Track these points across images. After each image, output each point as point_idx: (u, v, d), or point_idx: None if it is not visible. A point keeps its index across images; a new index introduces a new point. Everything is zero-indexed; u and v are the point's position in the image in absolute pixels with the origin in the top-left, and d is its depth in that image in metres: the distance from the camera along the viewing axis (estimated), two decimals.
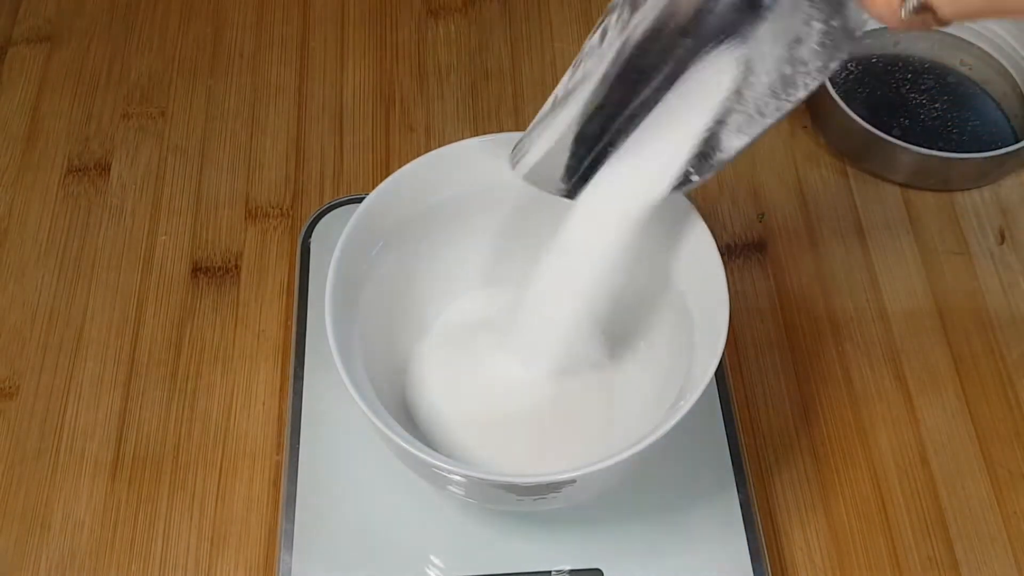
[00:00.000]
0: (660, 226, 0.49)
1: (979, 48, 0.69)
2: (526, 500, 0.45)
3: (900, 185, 0.64)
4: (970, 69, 0.69)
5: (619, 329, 0.54)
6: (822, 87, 0.64)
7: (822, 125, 0.66)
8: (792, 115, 0.66)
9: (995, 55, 0.69)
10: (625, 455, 0.42)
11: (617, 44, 0.41)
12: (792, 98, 0.40)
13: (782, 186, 0.64)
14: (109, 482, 0.55)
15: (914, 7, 0.33)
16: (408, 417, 0.51)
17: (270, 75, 0.70)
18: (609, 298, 0.48)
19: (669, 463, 0.52)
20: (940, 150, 0.62)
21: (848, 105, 0.63)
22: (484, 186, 0.52)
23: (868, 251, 0.62)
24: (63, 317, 0.60)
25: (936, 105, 0.67)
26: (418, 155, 0.50)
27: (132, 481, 0.55)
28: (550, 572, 0.50)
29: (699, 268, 0.47)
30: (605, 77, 0.42)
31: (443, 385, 0.51)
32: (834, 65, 0.38)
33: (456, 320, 0.54)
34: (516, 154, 0.47)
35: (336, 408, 0.54)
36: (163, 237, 0.63)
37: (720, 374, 0.55)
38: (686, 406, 0.42)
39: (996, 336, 0.59)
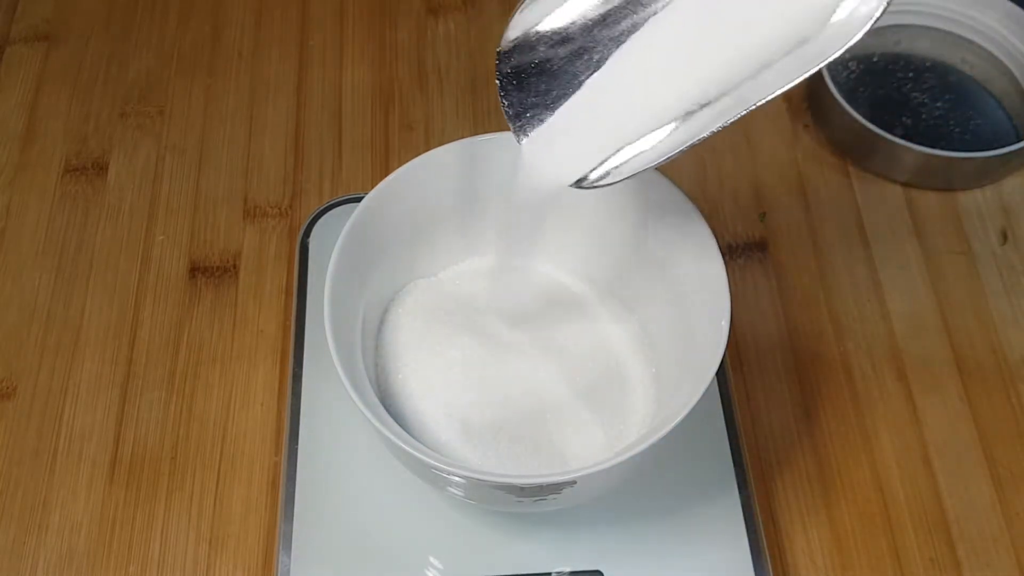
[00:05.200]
0: (660, 226, 0.49)
1: (980, 46, 0.69)
2: (526, 501, 0.44)
3: (902, 184, 0.64)
4: (972, 68, 0.68)
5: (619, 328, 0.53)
6: (824, 86, 0.64)
7: (824, 124, 0.66)
8: (794, 114, 0.67)
9: (997, 53, 0.69)
10: (626, 456, 0.41)
11: None
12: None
13: (784, 185, 0.64)
14: (107, 483, 0.54)
15: None
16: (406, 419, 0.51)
17: (269, 74, 0.70)
18: None
19: (670, 464, 0.52)
20: (942, 149, 0.61)
21: (850, 104, 0.63)
22: (484, 186, 0.52)
23: (870, 251, 0.61)
24: (61, 317, 0.60)
25: (938, 104, 0.66)
26: (417, 154, 0.49)
27: (130, 482, 0.54)
28: (550, 574, 0.50)
29: (700, 268, 0.47)
30: None
31: (439, 389, 0.51)
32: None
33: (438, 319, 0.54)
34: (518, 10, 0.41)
35: (335, 408, 0.54)
36: (161, 237, 0.63)
37: (721, 374, 0.55)
38: (687, 406, 0.42)
39: (999, 336, 0.58)
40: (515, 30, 0.41)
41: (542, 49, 0.41)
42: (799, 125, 0.67)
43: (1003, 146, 0.62)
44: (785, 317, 0.59)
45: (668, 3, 0.38)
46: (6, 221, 0.64)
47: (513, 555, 0.50)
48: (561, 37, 0.41)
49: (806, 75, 0.36)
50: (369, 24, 0.72)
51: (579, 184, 0.41)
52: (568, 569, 0.50)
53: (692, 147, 0.38)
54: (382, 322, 0.53)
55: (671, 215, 0.48)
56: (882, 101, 0.67)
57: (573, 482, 0.42)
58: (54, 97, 0.69)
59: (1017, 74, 0.68)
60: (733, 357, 0.58)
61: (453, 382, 0.51)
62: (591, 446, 0.49)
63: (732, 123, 0.37)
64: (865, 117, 0.62)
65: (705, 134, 0.38)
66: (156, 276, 0.61)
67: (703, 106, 0.38)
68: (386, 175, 0.49)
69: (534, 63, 0.41)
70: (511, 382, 0.51)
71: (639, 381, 0.51)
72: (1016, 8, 0.67)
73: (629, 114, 0.40)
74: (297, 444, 0.53)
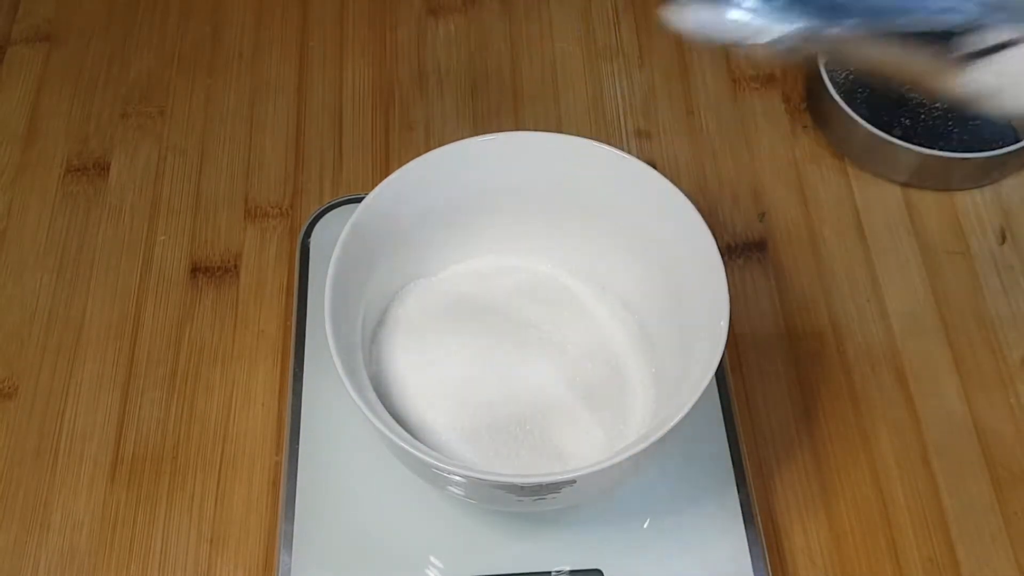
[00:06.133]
0: (660, 226, 0.50)
1: None
2: (526, 500, 0.44)
3: (901, 185, 0.64)
4: None
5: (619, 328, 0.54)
6: (823, 87, 0.64)
7: (823, 125, 0.66)
8: (793, 115, 0.67)
9: None
10: (625, 455, 0.42)
11: None
12: None
13: (783, 186, 0.64)
14: (108, 482, 0.54)
15: None
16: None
17: (269, 74, 0.70)
18: None
19: (669, 463, 0.52)
20: (941, 150, 0.62)
21: (849, 105, 0.63)
22: (484, 186, 0.52)
23: (869, 251, 0.62)
24: (62, 317, 0.60)
25: (937, 104, 0.66)
26: (418, 154, 0.50)
27: (131, 481, 0.54)
28: (550, 573, 0.50)
29: (699, 268, 0.47)
30: None
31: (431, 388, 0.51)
32: None
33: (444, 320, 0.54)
34: None
35: (336, 408, 0.54)
36: (162, 237, 0.63)
37: (720, 374, 0.55)
38: (686, 406, 0.42)
39: (997, 336, 0.58)
40: None
41: None
42: (798, 126, 0.67)
43: (1001, 147, 0.62)
44: (784, 317, 0.59)
45: None
46: (7, 221, 0.64)
47: (513, 554, 0.50)
48: None
49: None
50: (369, 24, 0.72)
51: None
52: (568, 568, 0.50)
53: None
54: (382, 322, 0.53)
55: (671, 215, 0.49)
56: (881, 102, 0.67)
57: (573, 481, 0.42)
58: (55, 97, 0.69)
59: None
60: (733, 357, 0.58)
61: (453, 382, 0.51)
62: (591, 446, 0.49)
63: None
64: (864, 118, 0.63)
65: None
66: (157, 276, 0.61)
67: None
68: (386, 175, 0.49)
69: None
70: (511, 382, 0.51)
71: (639, 381, 0.51)
72: None
73: None
74: (298, 444, 0.53)
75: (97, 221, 0.64)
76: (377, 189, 0.49)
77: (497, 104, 0.68)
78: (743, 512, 0.51)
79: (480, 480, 0.43)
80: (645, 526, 0.51)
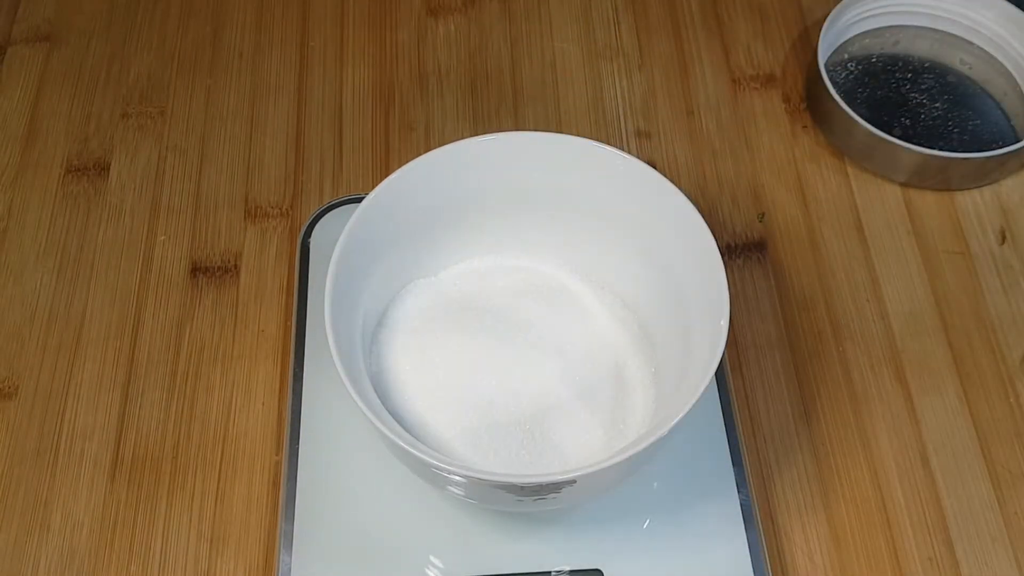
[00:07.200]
0: (660, 226, 0.50)
1: (979, 47, 0.69)
2: (526, 500, 0.44)
3: (901, 185, 0.64)
4: (970, 68, 0.69)
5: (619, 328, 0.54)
6: (823, 87, 0.64)
7: (823, 125, 0.66)
8: (792, 115, 0.67)
9: (995, 54, 0.69)
10: (625, 455, 0.42)
11: None
12: None
13: (782, 186, 0.64)
14: (108, 482, 0.55)
15: None
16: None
17: (269, 75, 0.70)
18: None
19: (670, 464, 0.52)
20: (940, 149, 0.62)
21: (848, 105, 0.63)
22: (484, 186, 0.52)
23: (868, 251, 0.62)
24: (62, 317, 0.60)
25: (936, 104, 0.67)
26: (418, 155, 0.50)
27: (131, 481, 0.54)
28: (550, 572, 0.50)
29: (699, 268, 0.47)
30: None
31: (432, 389, 0.51)
32: None
33: (444, 320, 0.54)
34: None
35: (336, 408, 0.54)
36: (162, 237, 0.63)
37: (720, 374, 0.55)
38: (686, 406, 0.42)
39: (997, 336, 0.59)
40: None
41: None
42: (798, 126, 0.67)
43: (1001, 147, 0.62)
44: (784, 317, 0.59)
45: None
46: (8, 221, 0.64)
47: (513, 554, 0.50)
48: None
49: None
50: (369, 25, 0.72)
51: None
52: (568, 568, 0.50)
53: None
54: (382, 322, 0.53)
55: (671, 215, 0.49)
56: (881, 102, 0.67)
57: (573, 481, 0.42)
58: (55, 97, 0.69)
59: (1015, 75, 0.68)
60: (732, 357, 0.58)
61: (453, 381, 0.51)
62: (591, 445, 0.49)
63: None
64: (864, 118, 0.63)
65: None
66: (157, 276, 0.61)
67: None
68: (386, 175, 0.49)
69: None
70: (511, 382, 0.51)
71: (639, 381, 0.51)
72: (1014, 9, 0.67)
73: None
74: (298, 444, 0.53)
75: (97, 221, 0.64)
76: (377, 189, 0.49)
77: (497, 104, 0.68)
78: (743, 512, 0.51)
79: (480, 480, 0.43)
80: (645, 526, 0.51)
